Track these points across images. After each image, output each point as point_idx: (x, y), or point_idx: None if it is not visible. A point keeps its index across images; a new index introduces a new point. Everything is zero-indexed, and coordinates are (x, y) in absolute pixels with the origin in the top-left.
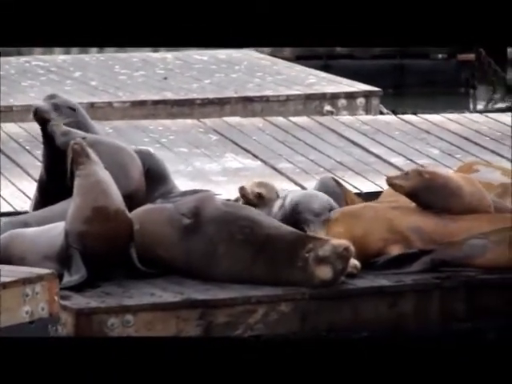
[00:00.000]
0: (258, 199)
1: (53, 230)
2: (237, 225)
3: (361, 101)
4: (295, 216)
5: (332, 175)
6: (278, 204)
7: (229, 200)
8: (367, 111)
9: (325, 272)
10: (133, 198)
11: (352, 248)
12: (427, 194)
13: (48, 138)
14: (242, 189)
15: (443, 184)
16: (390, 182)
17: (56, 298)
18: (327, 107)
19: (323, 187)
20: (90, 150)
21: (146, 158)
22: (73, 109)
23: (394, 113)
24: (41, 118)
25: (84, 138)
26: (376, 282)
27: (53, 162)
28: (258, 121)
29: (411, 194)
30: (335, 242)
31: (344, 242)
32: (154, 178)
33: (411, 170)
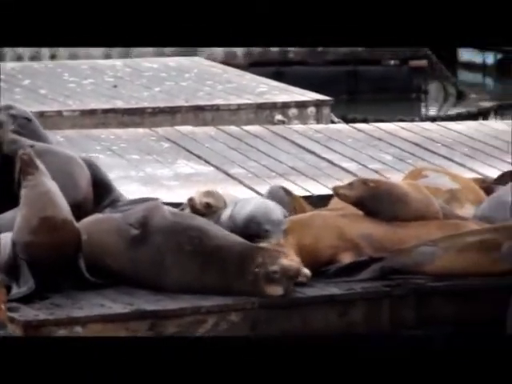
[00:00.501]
0: (206, 209)
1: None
2: (185, 235)
3: (311, 110)
4: (252, 227)
5: (284, 180)
6: (226, 213)
7: (181, 204)
8: (318, 120)
9: (275, 290)
10: (81, 208)
11: (304, 272)
12: (373, 202)
13: None
14: (190, 200)
15: (388, 192)
16: (336, 192)
17: (3, 306)
18: (278, 116)
19: (272, 196)
20: (37, 160)
21: (90, 167)
22: (29, 119)
23: (345, 119)
24: None
25: (32, 147)
26: (326, 291)
27: (0, 171)
28: (210, 129)
29: (357, 204)
30: (285, 262)
31: (294, 266)
32: (100, 187)
33: (356, 179)
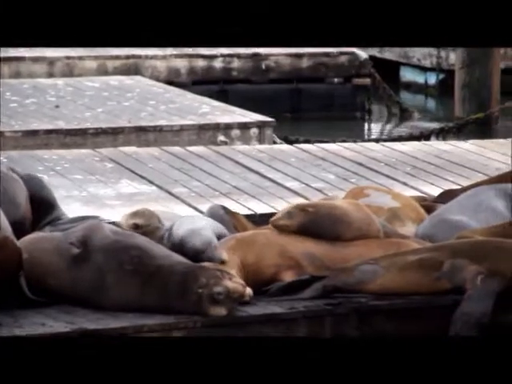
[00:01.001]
0: (134, 230)
1: None
2: (126, 254)
3: (254, 131)
4: (184, 248)
5: (227, 199)
6: (166, 234)
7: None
8: (260, 141)
9: (219, 311)
10: (20, 226)
11: (248, 293)
12: (315, 227)
13: None
14: (117, 223)
15: (328, 214)
16: (275, 224)
17: None
18: (221, 137)
19: (212, 215)
20: None
21: (30, 183)
22: None
23: (287, 140)
24: None
25: None
26: (268, 309)
27: None
28: (154, 150)
29: (300, 231)
30: (230, 284)
31: (239, 288)
32: (40, 204)
33: (292, 207)
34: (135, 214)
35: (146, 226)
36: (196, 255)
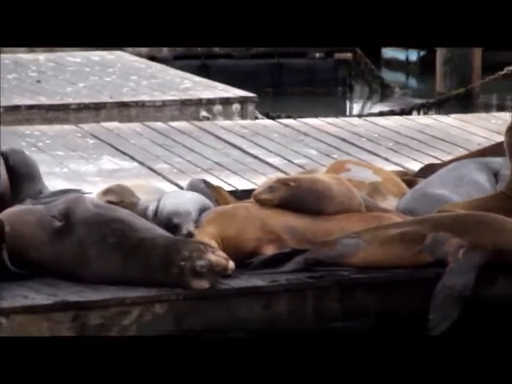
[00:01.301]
0: (110, 203)
1: None
2: (108, 227)
3: (236, 107)
4: (162, 221)
5: (209, 175)
6: (151, 208)
7: None
8: (243, 117)
9: (201, 284)
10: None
11: (231, 267)
12: (296, 201)
13: None
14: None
15: (310, 188)
16: (257, 199)
17: None
18: (203, 113)
19: (193, 189)
20: None
21: (9, 155)
22: None
23: (269, 116)
24: None
25: None
26: (250, 282)
27: None
28: (136, 125)
29: (281, 205)
30: (213, 258)
31: (222, 262)
32: (21, 176)
33: (274, 181)
34: (107, 191)
35: (119, 202)
36: (168, 226)
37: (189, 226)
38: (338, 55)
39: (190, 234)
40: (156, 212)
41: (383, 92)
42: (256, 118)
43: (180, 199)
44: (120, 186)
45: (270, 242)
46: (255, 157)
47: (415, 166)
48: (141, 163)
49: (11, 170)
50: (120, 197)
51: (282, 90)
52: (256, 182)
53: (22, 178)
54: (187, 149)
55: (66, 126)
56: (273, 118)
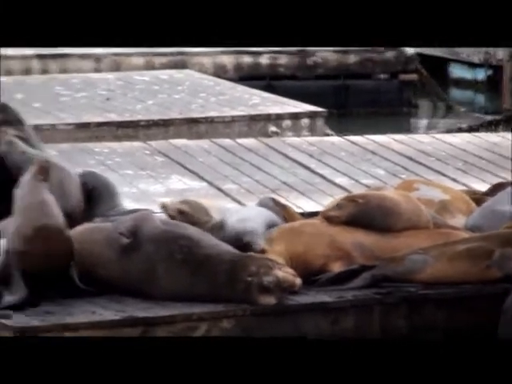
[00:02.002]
0: (180, 215)
1: None
2: (176, 244)
3: (305, 121)
4: (237, 234)
5: (276, 196)
6: (215, 221)
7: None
8: (312, 132)
9: (269, 300)
10: (70, 217)
11: (298, 283)
12: (364, 217)
13: None
14: (162, 205)
15: (378, 205)
16: (326, 215)
17: None
18: (272, 128)
19: (262, 207)
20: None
21: (90, 178)
22: (22, 124)
23: (338, 134)
24: None
25: (24, 153)
26: (317, 298)
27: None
28: (204, 142)
29: (349, 222)
30: (280, 274)
31: (290, 279)
32: (100, 198)
33: (342, 198)
34: (183, 202)
35: (190, 214)
36: (239, 244)
37: (261, 244)
38: (402, 76)
39: (262, 251)
40: (223, 229)
41: (449, 112)
42: (325, 133)
43: (247, 215)
44: (197, 202)
45: (337, 259)
46: (323, 177)
47: (483, 187)
48: (209, 183)
49: (91, 192)
50: (193, 210)
51: (347, 111)
52: (324, 203)
53: (101, 198)
54: (255, 167)
55: (135, 143)
56: (341, 135)
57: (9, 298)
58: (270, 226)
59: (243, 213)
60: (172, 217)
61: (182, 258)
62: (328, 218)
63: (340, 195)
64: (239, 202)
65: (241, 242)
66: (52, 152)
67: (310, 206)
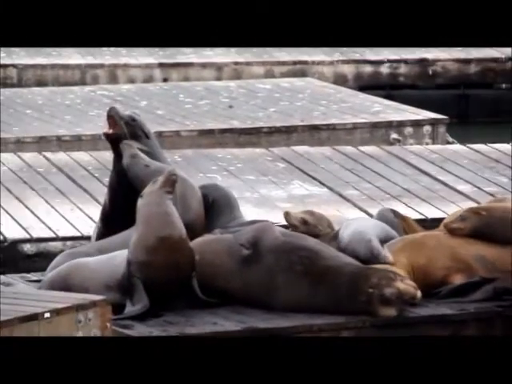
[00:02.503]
0: (302, 225)
1: (114, 259)
2: (296, 255)
3: (427, 129)
4: (360, 246)
5: (398, 202)
6: (336, 233)
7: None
8: (434, 139)
9: (390, 312)
10: (191, 228)
11: (419, 296)
12: (488, 230)
13: (117, 155)
14: (286, 214)
15: (502, 217)
16: (449, 228)
17: (108, 324)
18: (394, 135)
19: (381, 218)
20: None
21: (211, 191)
22: (148, 137)
23: (460, 142)
24: (112, 119)
25: (147, 166)
26: (438, 311)
27: (117, 182)
28: (326, 150)
29: (472, 235)
30: (402, 286)
31: (411, 291)
32: (220, 210)
33: (465, 210)
34: (307, 212)
35: (313, 225)
36: (366, 256)
37: (388, 256)
38: None
39: (390, 263)
40: (342, 241)
41: None
42: (447, 140)
43: (361, 227)
44: (320, 213)
45: (459, 271)
46: (445, 184)
47: None
48: (330, 189)
49: (213, 203)
50: (316, 221)
51: (467, 121)
52: (446, 210)
53: (222, 210)
54: (376, 174)
55: (257, 150)
56: (463, 144)
57: (130, 308)
58: (385, 239)
59: (360, 224)
60: (294, 226)
61: (303, 270)
62: (451, 229)
63: (462, 202)
64: (360, 208)
65: (362, 254)
66: (176, 157)
67: (431, 212)
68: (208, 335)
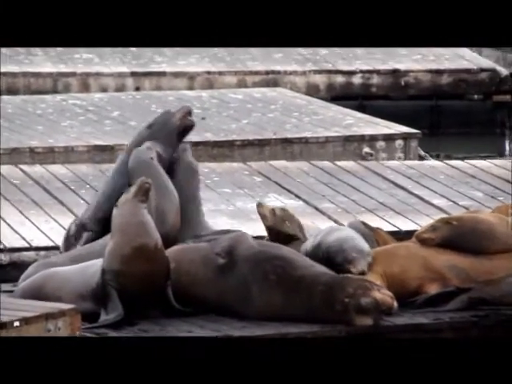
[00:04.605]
0: (272, 215)
1: (88, 269)
2: (270, 264)
3: (399, 143)
4: (339, 253)
5: (373, 215)
6: (310, 242)
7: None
8: (406, 153)
9: (366, 321)
10: (166, 237)
11: (396, 306)
12: (459, 240)
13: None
14: (259, 204)
15: (473, 228)
16: (420, 238)
17: (78, 333)
18: (366, 149)
19: (353, 229)
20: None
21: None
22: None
23: (431, 155)
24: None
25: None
26: (414, 320)
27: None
28: (303, 164)
29: (443, 244)
30: (379, 296)
31: (388, 301)
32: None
33: (437, 220)
34: (283, 209)
35: (280, 217)
36: (343, 263)
37: (362, 265)
38: (496, 97)
39: (362, 273)
40: (317, 249)
41: None
42: (419, 155)
43: (355, 236)
44: (295, 216)
45: (433, 281)
46: (420, 198)
47: None
48: (306, 202)
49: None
50: (287, 218)
51: (439, 132)
52: (420, 223)
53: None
54: (352, 188)
55: (234, 164)
56: (435, 157)
57: (105, 317)
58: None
59: (341, 233)
60: (264, 216)
61: (276, 279)
62: (422, 239)
63: (437, 216)
64: (335, 221)
65: (335, 262)
66: None
67: (406, 225)
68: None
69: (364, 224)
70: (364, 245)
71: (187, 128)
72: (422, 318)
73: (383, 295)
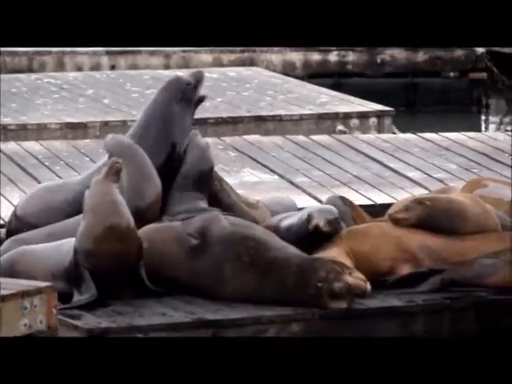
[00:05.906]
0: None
1: (61, 247)
2: (243, 245)
3: (373, 121)
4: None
5: (348, 189)
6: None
7: None
8: (379, 131)
9: (339, 305)
10: (142, 215)
11: (369, 289)
12: (432, 220)
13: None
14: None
15: (446, 208)
16: (393, 218)
17: (54, 310)
18: (340, 127)
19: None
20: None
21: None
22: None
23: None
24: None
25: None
26: (387, 302)
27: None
28: (277, 139)
29: (416, 225)
30: (351, 280)
31: (361, 285)
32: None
33: (410, 201)
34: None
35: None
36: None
37: (319, 221)
38: (472, 75)
39: (316, 228)
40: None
41: None
42: (393, 132)
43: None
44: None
45: (405, 261)
46: (395, 171)
47: None
48: (281, 176)
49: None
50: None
51: (415, 109)
52: (395, 196)
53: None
54: (327, 162)
55: (209, 139)
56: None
57: (78, 298)
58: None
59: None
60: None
61: (249, 261)
62: (395, 220)
63: (411, 188)
64: (310, 195)
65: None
66: None
67: (380, 198)
68: (157, 327)
69: (342, 199)
70: (328, 206)
71: (201, 99)
72: (395, 300)
73: (356, 279)
